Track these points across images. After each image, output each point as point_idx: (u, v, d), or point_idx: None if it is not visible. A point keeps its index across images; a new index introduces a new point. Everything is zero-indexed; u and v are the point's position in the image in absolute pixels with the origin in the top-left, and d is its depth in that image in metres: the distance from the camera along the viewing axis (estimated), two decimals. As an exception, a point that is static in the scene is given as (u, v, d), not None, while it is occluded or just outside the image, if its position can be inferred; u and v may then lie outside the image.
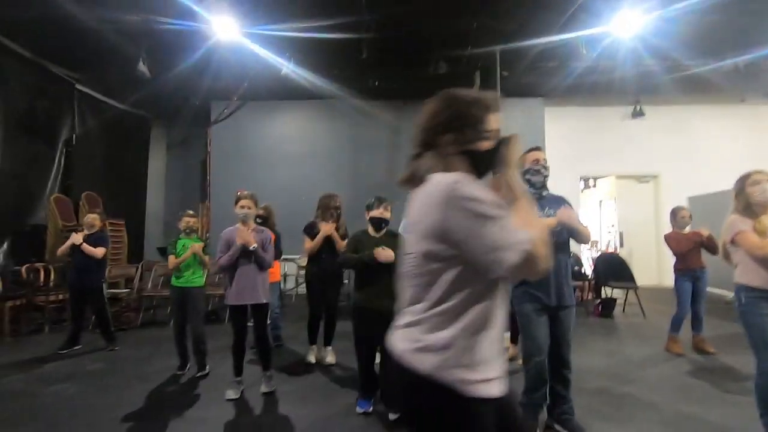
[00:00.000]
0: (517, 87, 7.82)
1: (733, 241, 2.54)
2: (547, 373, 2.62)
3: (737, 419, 2.77)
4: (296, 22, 5.80)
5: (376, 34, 6.09)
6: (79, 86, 7.51)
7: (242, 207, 3.29)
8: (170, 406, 3.08)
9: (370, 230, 3.14)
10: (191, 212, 4.06)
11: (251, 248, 3.20)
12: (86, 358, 4.23)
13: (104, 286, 4.56)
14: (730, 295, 6.70)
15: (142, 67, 6.54)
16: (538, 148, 2.80)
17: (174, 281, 3.82)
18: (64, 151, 7.24)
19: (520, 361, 2.83)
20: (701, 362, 3.98)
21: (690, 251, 4.34)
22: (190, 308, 3.75)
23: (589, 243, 2.72)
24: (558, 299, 2.59)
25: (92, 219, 4.50)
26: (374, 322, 2.75)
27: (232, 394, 3.23)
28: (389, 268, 2.82)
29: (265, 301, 3.32)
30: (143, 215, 9.04)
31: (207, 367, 3.79)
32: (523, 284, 2.64)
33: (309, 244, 3.98)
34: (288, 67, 6.74)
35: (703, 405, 3.02)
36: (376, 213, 3.08)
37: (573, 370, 2.71)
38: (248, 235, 3.22)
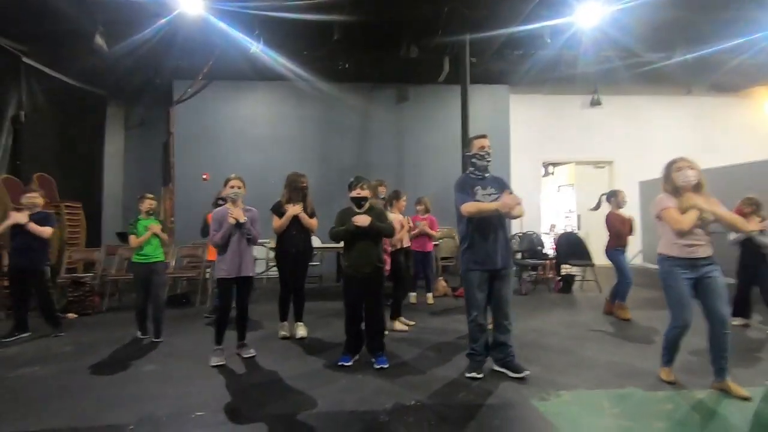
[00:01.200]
0: (484, 74, 8.03)
1: (658, 216, 2.90)
2: (485, 325, 3.11)
3: (648, 362, 3.30)
4: (266, 0, 5.67)
5: (348, 15, 6.05)
6: (26, 60, 6.99)
7: (232, 187, 3.50)
8: (149, 382, 3.06)
9: (354, 207, 3.43)
10: (151, 195, 4.36)
11: (242, 221, 3.41)
12: (51, 342, 4.09)
13: (47, 268, 4.30)
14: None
15: (99, 40, 6.19)
16: (484, 136, 3.20)
17: (136, 258, 4.15)
18: (12, 129, 6.76)
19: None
20: (633, 324, 4.49)
21: (626, 230, 4.92)
22: (155, 281, 4.14)
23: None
24: (503, 262, 3.09)
25: (32, 198, 4.23)
26: (358, 284, 3.35)
27: (217, 360, 3.40)
28: (369, 237, 3.30)
29: (251, 275, 3.55)
30: (100, 198, 8.61)
31: (162, 334, 4.13)
32: (470, 250, 3.09)
33: (277, 223, 4.04)
34: (257, 47, 6.58)
35: (619, 353, 3.60)
36: (354, 193, 3.41)
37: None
38: (238, 212, 3.43)
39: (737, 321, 4.26)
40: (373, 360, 3.33)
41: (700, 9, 6.34)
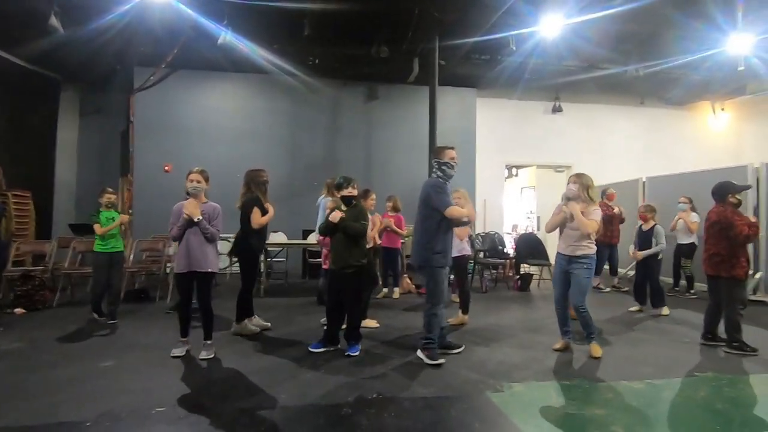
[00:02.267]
0: (453, 76, 8.23)
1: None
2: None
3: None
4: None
5: (320, 5, 5.98)
6: (-29, 37, 6.53)
7: (191, 181, 3.42)
8: (108, 378, 2.99)
9: (343, 205, 3.61)
10: (111, 189, 4.71)
11: (196, 220, 3.33)
12: (-2, 339, 3.89)
13: None
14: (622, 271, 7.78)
15: (54, 21, 5.86)
16: (453, 148, 3.51)
17: (100, 248, 4.48)
18: (-47, 110, 6.31)
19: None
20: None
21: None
22: (116, 269, 4.59)
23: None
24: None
25: None
26: (337, 279, 3.58)
27: (177, 351, 3.44)
28: (347, 236, 3.50)
29: (210, 271, 3.47)
30: (51, 187, 8.17)
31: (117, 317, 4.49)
32: (441, 248, 3.37)
33: (263, 219, 4.02)
34: (226, 36, 6.43)
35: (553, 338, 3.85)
36: (345, 192, 3.58)
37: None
38: (194, 208, 3.35)
39: (634, 307, 5.27)
40: (347, 347, 3.57)
41: (654, 25, 6.79)
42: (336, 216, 3.48)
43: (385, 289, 5.97)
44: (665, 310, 5.08)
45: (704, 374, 3.23)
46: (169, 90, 8.13)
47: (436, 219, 3.34)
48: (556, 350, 3.73)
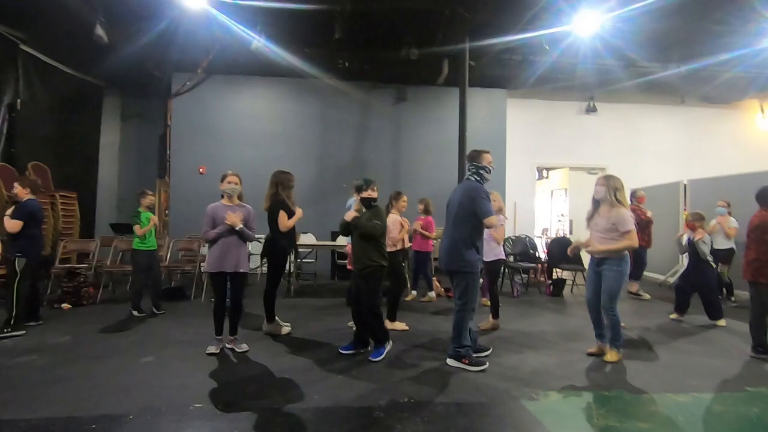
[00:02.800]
0: (483, 77, 8.10)
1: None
2: None
3: (635, 365, 3.25)
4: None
5: (351, 6, 6.03)
6: (24, 47, 6.94)
7: (229, 183, 3.57)
8: (148, 373, 3.10)
9: (363, 207, 3.63)
10: (151, 192, 5.08)
11: (237, 228, 3.50)
12: (47, 332, 4.08)
13: (17, 259, 4.03)
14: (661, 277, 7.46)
15: (99, 31, 6.15)
16: (489, 152, 3.51)
17: (140, 246, 4.86)
18: (8, 116, 6.71)
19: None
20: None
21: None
22: (155, 265, 5.01)
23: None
24: None
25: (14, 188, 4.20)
26: (355, 279, 3.65)
27: (212, 348, 3.54)
28: (363, 237, 3.49)
29: (243, 271, 3.58)
30: (95, 188, 8.58)
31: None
32: (477, 253, 3.37)
33: (289, 222, 4.07)
34: (259, 42, 6.58)
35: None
36: (365, 194, 3.60)
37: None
38: (236, 219, 3.49)
39: (674, 315, 5.04)
40: (371, 352, 3.55)
41: (696, 21, 6.47)
42: (350, 215, 3.54)
43: (414, 292, 5.94)
44: (722, 322, 4.79)
45: (756, 389, 3.03)
46: (204, 95, 8.39)
47: (472, 223, 3.30)
48: (590, 354, 3.62)
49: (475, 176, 3.42)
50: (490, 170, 3.44)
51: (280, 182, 4.16)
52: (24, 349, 3.58)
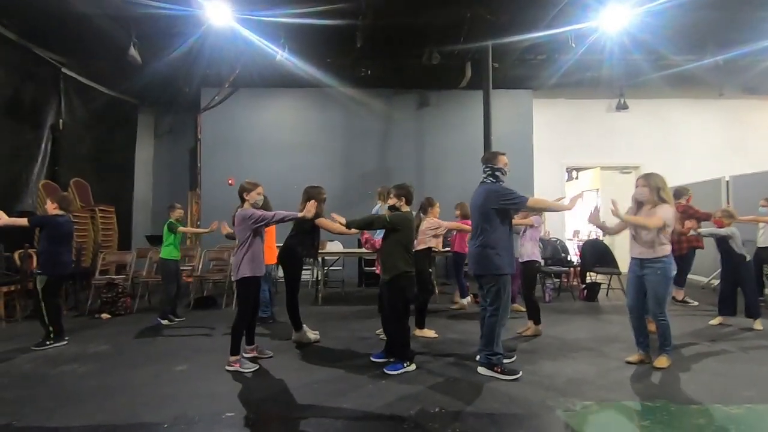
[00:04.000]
0: (506, 79, 7.98)
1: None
2: None
3: (679, 374, 3.07)
4: (290, 8, 5.79)
5: (370, 21, 6.11)
6: (65, 70, 7.36)
7: (259, 194, 3.68)
8: (182, 382, 3.17)
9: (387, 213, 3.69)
10: (179, 205, 5.26)
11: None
12: (88, 342, 4.25)
13: (40, 277, 4.10)
14: (704, 279, 7.08)
15: (133, 52, 6.44)
16: (504, 154, 3.50)
17: (169, 256, 5.06)
18: (51, 136, 7.11)
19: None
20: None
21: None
22: (179, 274, 5.29)
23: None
24: None
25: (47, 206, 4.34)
26: (381, 287, 3.65)
27: (248, 366, 3.48)
28: (386, 243, 3.53)
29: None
30: (131, 202, 8.95)
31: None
32: (510, 255, 3.31)
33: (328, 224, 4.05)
34: (282, 55, 6.72)
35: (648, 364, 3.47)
36: (390, 202, 3.65)
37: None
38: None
39: (715, 320, 4.77)
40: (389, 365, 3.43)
41: (731, 9, 6.16)
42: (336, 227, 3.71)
43: (463, 301, 5.81)
44: (757, 324, 4.49)
45: (818, 400, 2.80)
46: (232, 108, 8.63)
47: (497, 225, 3.23)
48: (630, 363, 3.45)
49: (491, 178, 3.38)
50: (506, 172, 3.40)
51: (312, 196, 4.18)
52: (67, 358, 3.73)
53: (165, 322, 4.90)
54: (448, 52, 7.11)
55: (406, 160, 8.77)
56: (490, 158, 3.45)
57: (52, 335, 4.07)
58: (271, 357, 3.67)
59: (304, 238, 4.15)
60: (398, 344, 3.45)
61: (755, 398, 2.81)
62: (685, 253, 5.60)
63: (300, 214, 3.56)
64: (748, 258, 4.67)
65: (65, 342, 4.13)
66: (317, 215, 4.00)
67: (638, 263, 3.41)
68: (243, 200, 3.65)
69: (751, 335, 4.34)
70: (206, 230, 5.58)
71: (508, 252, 3.28)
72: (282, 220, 3.62)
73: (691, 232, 4.86)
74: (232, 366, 3.39)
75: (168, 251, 5.04)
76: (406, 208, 3.58)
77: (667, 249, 3.32)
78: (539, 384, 3.09)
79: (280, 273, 4.42)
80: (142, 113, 9.25)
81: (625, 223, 3.37)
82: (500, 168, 3.38)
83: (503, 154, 3.47)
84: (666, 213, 3.25)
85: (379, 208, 4.71)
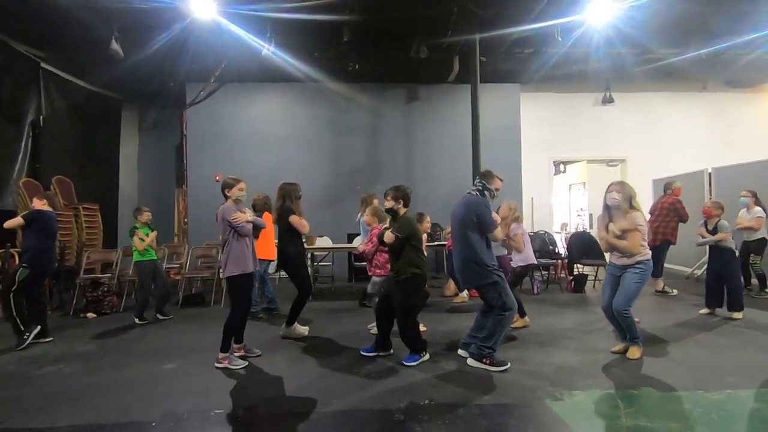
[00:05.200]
0: (494, 73, 7.99)
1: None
2: None
3: (662, 362, 3.14)
4: (277, 2, 5.72)
5: (358, 15, 6.07)
6: (44, 65, 7.16)
7: (240, 189, 3.62)
8: (170, 379, 3.14)
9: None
10: (147, 208, 5.18)
11: (251, 219, 3.64)
12: (73, 341, 4.19)
13: (21, 269, 4.03)
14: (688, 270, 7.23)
15: (115, 46, 6.29)
16: (502, 180, 3.62)
17: (143, 258, 4.95)
18: (31, 133, 6.93)
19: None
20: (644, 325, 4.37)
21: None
22: (158, 273, 5.12)
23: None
24: None
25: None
26: (392, 285, 3.60)
27: (238, 362, 3.47)
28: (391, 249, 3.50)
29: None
30: (116, 200, 8.79)
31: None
32: (493, 262, 3.38)
33: (305, 222, 4.11)
34: (269, 49, 6.64)
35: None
36: (387, 205, 3.57)
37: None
38: (243, 215, 3.57)
39: (704, 310, 4.87)
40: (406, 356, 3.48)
41: (714, 3, 6.25)
42: (388, 237, 3.43)
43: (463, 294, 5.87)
44: (737, 315, 4.58)
45: (796, 384, 2.89)
46: (217, 103, 8.51)
47: (478, 235, 3.33)
48: (615, 353, 3.52)
49: (479, 192, 3.44)
50: (494, 196, 3.50)
51: (287, 194, 4.18)
52: (52, 358, 3.67)
53: (137, 320, 4.81)
54: (436, 46, 7.09)
55: (395, 154, 8.75)
56: (486, 175, 3.51)
57: (22, 327, 3.96)
58: (259, 356, 3.63)
59: (296, 240, 4.15)
60: (412, 338, 3.47)
61: (736, 384, 2.88)
62: (659, 244, 5.69)
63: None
64: (737, 254, 4.78)
65: (50, 339, 4.10)
66: (289, 212, 4.03)
67: (619, 267, 3.47)
68: (226, 196, 3.61)
69: (735, 324, 4.44)
70: (150, 241, 5.01)
71: (491, 258, 3.36)
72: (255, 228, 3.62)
73: (700, 240, 4.86)
74: (221, 363, 3.37)
75: (136, 254, 4.95)
76: (403, 210, 3.54)
77: (648, 254, 3.39)
78: (528, 374, 3.13)
79: (278, 271, 4.41)
80: (126, 109, 9.06)
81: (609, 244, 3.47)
82: (491, 189, 3.46)
83: (501, 179, 3.56)
84: (639, 220, 3.37)
85: (361, 216, 4.72)
